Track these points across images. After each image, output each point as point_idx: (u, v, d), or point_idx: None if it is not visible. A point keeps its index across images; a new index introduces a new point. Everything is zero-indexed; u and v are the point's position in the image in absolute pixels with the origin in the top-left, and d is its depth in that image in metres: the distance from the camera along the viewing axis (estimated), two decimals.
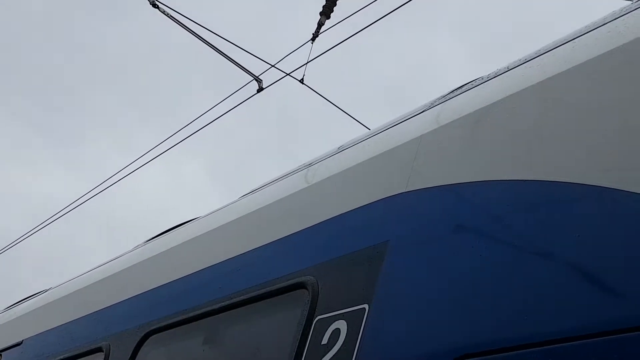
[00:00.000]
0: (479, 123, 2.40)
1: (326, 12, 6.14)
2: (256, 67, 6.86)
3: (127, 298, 4.10)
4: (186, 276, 3.61)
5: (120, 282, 4.37)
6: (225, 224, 3.61)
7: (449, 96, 2.80)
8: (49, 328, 4.94)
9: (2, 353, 5.42)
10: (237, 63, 6.90)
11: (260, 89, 6.81)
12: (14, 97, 29.22)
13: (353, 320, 2.38)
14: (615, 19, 2.21)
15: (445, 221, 2.30)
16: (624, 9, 2.25)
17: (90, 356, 4.15)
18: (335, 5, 6.10)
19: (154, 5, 6.71)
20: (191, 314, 3.35)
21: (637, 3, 2.23)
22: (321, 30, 6.23)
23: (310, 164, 3.40)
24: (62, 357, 4.45)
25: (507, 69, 2.57)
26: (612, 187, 1.84)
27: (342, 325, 2.42)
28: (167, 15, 6.72)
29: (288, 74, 6.56)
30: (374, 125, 3.96)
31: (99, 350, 4.04)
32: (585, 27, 2.36)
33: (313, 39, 6.26)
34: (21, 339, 5.26)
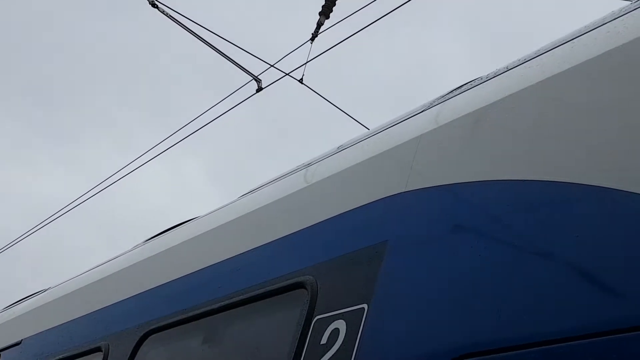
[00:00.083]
0: (478, 123, 2.40)
1: (325, 12, 6.14)
2: (255, 67, 6.88)
3: (126, 298, 4.10)
4: (185, 276, 3.61)
5: (119, 281, 4.37)
6: (225, 223, 3.61)
7: (448, 96, 2.80)
8: (48, 328, 4.94)
9: (2, 353, 5.42)
10: (237, 63, 6.91)
11: (259, 89, 6.82)
12: (14, 97, 29.23)
13: (352, 320, 2.38)
14: (615, 19, 2.21)
15: (445, 221, 2.30)
16: (623, 9, 2.25)
17: (89, 356, 4.16)
18: (334, 5, 6.10)
19: (154, 5, 6.72)
20: (190, 314, 3.35)
21: (636, 3, 2.23)
22: (320, 30, 6.24)
23: (309, 164, 3.40)
24: (61, 356, 4.45)
25: (506, 69, 2.57)
26: (612, 187, 1.84)
27: (341, 325, 2.43)
28: (167, 15, 6.72)
29: (287, 74, 6.57)
30: (373, 125, 3.96)
31: (97, 350, 4.04)
32: (585, 27, 2.36)
33: (312, 39, 6.26)
34: (20, 339, 5.27)
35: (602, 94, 2.03)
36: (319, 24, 6.22)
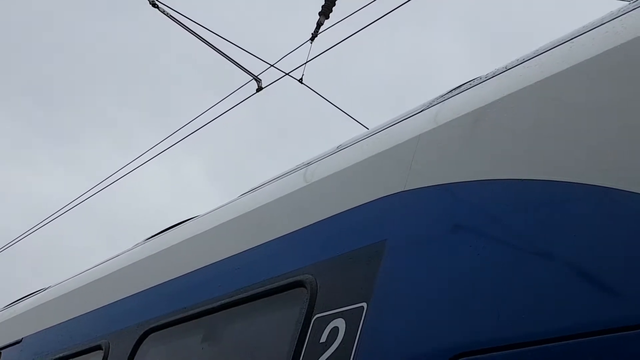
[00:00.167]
0: (477, 122, 2.41)
1: (325, 12, 6.15)
2: (255, 67, 6.89)
3: (126, 296, 4.11)
4: (185, 274, 3.62)
5: (120, 280, 4.38)
6: (225, 222, 3.62)
7: (447, 96, 2.81)
8: (49, 326, 4.95)
9: (2, 351, 5.43)
10: (237, 62, 6.92)
11: (259, 89, 6.83)
12: (14, 97, 29.22)
13: (351, 319, 2.39)
14: (613, 19, 2.22)
15: (443, 220, 2.31)
16: (622, 9, 2.26)
17: (89, 354, 4.16)
18: (334, 5, 6.11)
19: (154, 5, 6.73)
20: (190, 312, 3.36)
21: (634, 3, 2.24)
22: (320, 30, 6.24)
23: (309, 163, 3.41)
24: (61, 355, 4.46)
25: (505, 69, 2.57)
26: (611, 187, 1.84)
27: (340, 323, 2.43)
28: (167, 14, 6.73)
29: (287, 74, 6.58)
30: (372, 125, 3.97)
31: (98, 348, 4.05)
32: (583, 27, 2.37)
33: (312, 39, 6.27)
34: (21, 337, 5.27)
35: (600, 94, 2.04)
36: (319, 24, 6.23)
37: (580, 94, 2.12)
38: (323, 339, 2.46)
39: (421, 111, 2.85)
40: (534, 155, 2.12)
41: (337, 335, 2.41)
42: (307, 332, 2.56)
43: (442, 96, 2.86)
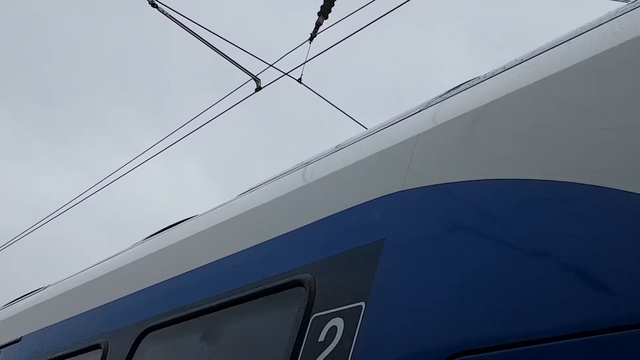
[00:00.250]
0: (475, 122, 2.41)
1: (324, 12, 6.15)
2: (254, 67, 6.89)
3: (125, 295, 4.11)
4: (184, 273, 3.62)
5: (119, 279, 4.38)
6: (223, 221, 3.62)
7: (445, 96, 2.81)
8: (48, 325, 4.95)
9: (1, 350, 5.43)
10: (236, 62, 6.92)
11: (258, 88, 6.83)
12: (14, 97, 29.20)
13: (350, 318, 2.39)
14: (611, 19, 2.22)
15: (442, 220, 2.31)
16: (620, 10, 2.27)
17: (88, 353, 4.17)
18: (333, 5, 6.11)
19: (153, 5, 6.73)
20: (189, 311, 3.36)
21: (632, 4, 2.25)
22: (319, 30, 6.24)
23: (307, 163, 3.41)
24: (60, 353, 4.46)
25: (503, 69, 2.58)
26: (610, 187, 1.85)
27: (338, 323, 2.43)
28: (166, 14, 6.73)
29: (286, 74, 6.58)
30: (371, 125, 3.97)
31: (97, 347, 4.06)
32: (581, 27, 2.37)
33: (311, 39, 6.27)
34: (20, 336, 5.28)
35: (599, 94, 2.04)
36: (318, 24, 6.22)
37: (579, 94, 2.12)
38: (321, 338, 2.47)
39: (419, 111, 2.86)
40: (532, 155, 2.13)
41: (335, 335, 2.41)
42: (305, 331, 2.56)
43: (441, 96, 2.86)
